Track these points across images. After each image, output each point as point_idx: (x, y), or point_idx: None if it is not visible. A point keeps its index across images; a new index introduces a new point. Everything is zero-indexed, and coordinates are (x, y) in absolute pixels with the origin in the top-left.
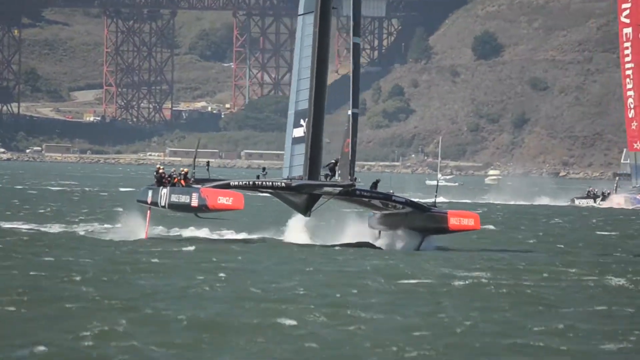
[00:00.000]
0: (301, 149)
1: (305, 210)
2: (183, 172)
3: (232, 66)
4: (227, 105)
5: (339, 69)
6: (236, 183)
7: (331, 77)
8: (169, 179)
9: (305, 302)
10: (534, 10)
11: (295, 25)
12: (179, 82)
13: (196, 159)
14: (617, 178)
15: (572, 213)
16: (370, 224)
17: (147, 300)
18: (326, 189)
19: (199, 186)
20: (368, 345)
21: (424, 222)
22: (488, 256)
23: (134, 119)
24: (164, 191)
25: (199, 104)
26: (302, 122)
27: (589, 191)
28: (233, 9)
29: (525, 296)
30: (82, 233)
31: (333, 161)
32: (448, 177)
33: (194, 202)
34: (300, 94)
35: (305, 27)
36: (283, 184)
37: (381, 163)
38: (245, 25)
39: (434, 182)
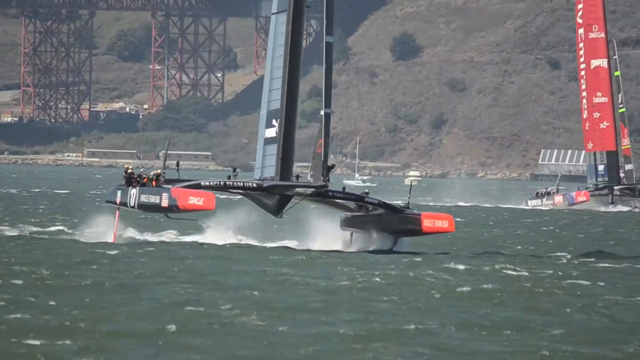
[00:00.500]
0: (273, 149)
1: (277, 211)
2: (156, 173)
3: (151, 67)
4: (146, 106)
5: (257, 70)
6: (207, 183)
7: (249, 79)
8: (138, 179)
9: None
10: (452, 11)
11: (210, 27)
12: (97, 83)
13: (166, 160)
14: (558, 176)
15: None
16: (343, 225)
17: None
18: (298, 189)
19: (169, 186)
20: None
21: (397, 223)
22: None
23: (52, 120)
24: (134, 191)
25: (117, 105)
26: (274, 122)
27: (537, 192)
28: (152, 9)
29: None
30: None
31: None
32: (365, 177)
33: (164, 203)
34: (272, 94)
35: (278, 26)
36: (254, 185)
37: (300, 164)
38: (163, 26)
39: (352, 182)
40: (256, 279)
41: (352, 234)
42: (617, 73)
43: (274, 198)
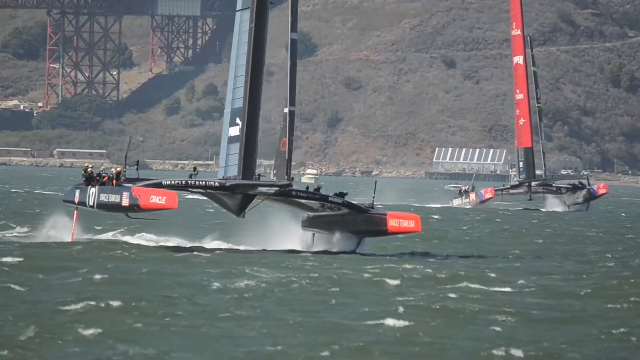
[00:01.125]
0: (236, 148)
1: (239, 211)
2: (115, 171)
3: (46, 65)
4: (40, 104)
5: (152, 68)
6: (168, 182)
7: (145, 76)
8: (97, 177)
9: None
10: (348, 10)
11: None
12: None
13: (127, 158)
14: (474, 174)
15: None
16: (304, 225)
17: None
18: (261, 189)
19: (129, 185)
20: None
21: (361, 224)
22: None
23: None
24: (93, 190)
25: (11, 103)
26: (238, 120)
27: (460, 190)
28: (47, 7)
29: None
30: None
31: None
32: (258, 175)
33: (125, 202)
34: (236, 92)
35: (243, 23)
36: (217, 184)
37: (195, 162)
38: (59, 23)
39: None
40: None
41: (314, 234)
42: (533, 69)
43: (237, 198)
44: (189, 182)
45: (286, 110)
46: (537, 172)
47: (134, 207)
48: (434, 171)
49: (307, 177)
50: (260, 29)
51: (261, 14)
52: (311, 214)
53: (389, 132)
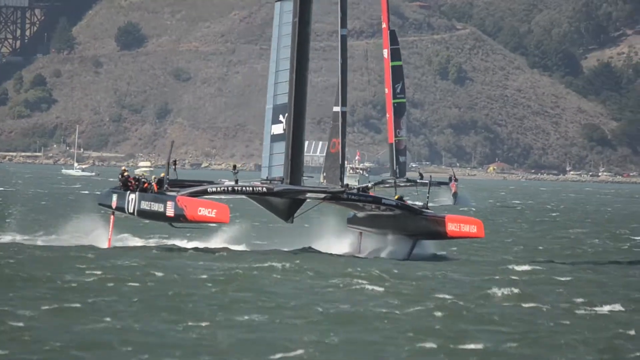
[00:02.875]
0: (281, 147)
1: (288, 216)
2: (158, 177)
3: None
4: None
5: None
6: (214, 189)
7: None
8: (136, 183)
9: None
10: (177, 1)
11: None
12: None
13: (170, 163)
14: (362, 171)
15: None
16: (351, 223)
17: None
18: (311, 194)
19: (174, 193)
20: None
21: (417, 225)
22: None
23: None
24: (132, 196)
25: None
26: (281, 117)
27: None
28: None
29: None
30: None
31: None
32: (84, 167)
33: (170, 212)
34: (278, 87)
35: (283, 14)
36: (264, 189)
37: (23, 154)
38: None
39: (71, 172)
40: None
41: (361, 233)
42: (397, 63)
43: (285, 202)
44: (236, 187)
45: (337, 109)
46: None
47: (179, 218)
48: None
49: (140, 169)
50: (305, 23)
51: (306, 6)
52: (359, 212)
53: (218, 124)
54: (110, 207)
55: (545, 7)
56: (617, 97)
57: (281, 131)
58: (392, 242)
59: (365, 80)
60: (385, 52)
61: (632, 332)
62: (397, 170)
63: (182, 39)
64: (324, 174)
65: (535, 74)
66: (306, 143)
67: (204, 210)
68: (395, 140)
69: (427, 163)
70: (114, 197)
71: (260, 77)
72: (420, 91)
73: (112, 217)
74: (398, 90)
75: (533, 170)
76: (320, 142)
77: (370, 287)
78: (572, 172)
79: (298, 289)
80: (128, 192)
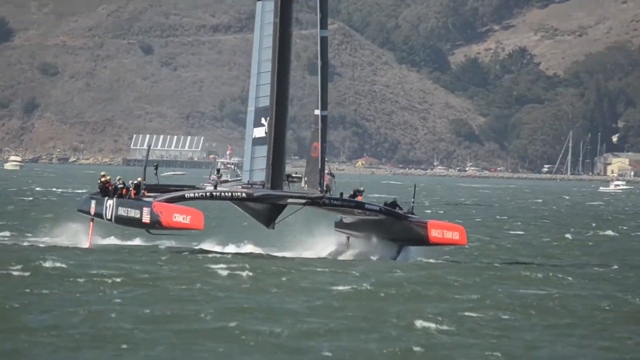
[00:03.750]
0: (263, 150)
1: (269, 221)
2: (135, 182)
3: None
4: None
5: None
6: (192, 195)
7: None
8: (115, 189)
9: None
10: None
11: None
12: None
13: (146, 169)
14: (233, 166)
15: None
16: (338, 227)
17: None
18: (291, 200)
19: (150, 199)
20: None
21: (400, 231)
22: None
23: None
24: (110, 202)
25: None
26: (263, 120)
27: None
28: None
29: None
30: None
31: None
32: None
33: (146, 218)
34: (260, 89)
35: (265, 14)
36: (244, 195)
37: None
38: None
39: None
40: None
41: (348, 237)
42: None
43: (266, 208)
44: (214, 193)
45: (317, 112)
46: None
47: (155, 224)
48: (132, 158)
49: (11, 164)
50: (287, 24)
51: (288, 5)
52: (346, 216)
53: (86, 119)
54: (89, 213)
55: (413, 2)
56: (484, 93)
57: (263, 134)
58: (378, 246)
59: (233, 75)
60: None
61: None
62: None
63: (49, 33)
64: (305, 179)
65: (403, 69)
66: (174, 138)
67: (179, 217)
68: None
69: (296, 157)
70: (92, 203)
71: (128, 72)
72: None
73: (91, 223)
74: None
75: (401, 165)
76: (189, 137)
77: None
78: (439, 167)
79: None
80: (106, 197)
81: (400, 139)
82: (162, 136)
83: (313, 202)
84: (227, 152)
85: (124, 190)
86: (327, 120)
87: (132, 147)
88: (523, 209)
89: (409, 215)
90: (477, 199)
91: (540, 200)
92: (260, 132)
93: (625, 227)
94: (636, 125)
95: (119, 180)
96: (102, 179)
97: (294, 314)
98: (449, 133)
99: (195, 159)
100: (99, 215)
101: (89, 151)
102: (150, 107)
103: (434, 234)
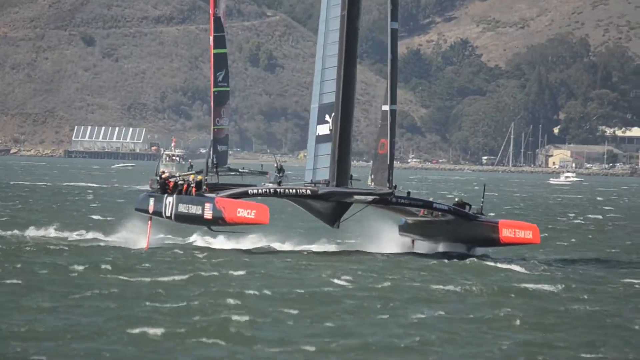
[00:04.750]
0: (327, 148)
1: (333, 220)
2: (196, 179)
3: None
4: None
5: None
6: (255, 191)
7: None
8: (175, 186)
9: None
10: None
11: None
12: None
13: (209, 165)
14: (178, 158)
15: None
16: (403, 230)
17: None
18: (358, 197)
19: (212, 195)
20: None
21: (470, 232)
22: None
23: None
24: (170, 200)
25: None
26: (327, 117)
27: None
28: None
29: None
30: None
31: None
32: None
33: (208, 214)
34: (324, 86)
35: (330, 9)
36: (308, 192)
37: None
38: None
39: None
40: None
41: (413, 241)
42: (220, 50)
43: (330, 205)
44: (279, 190)
45: (385, 108)
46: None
47: (218, 221)
48: (74, 150)
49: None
50: (354, 17)
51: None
52: (410, 218)
53: (27, 110)
54: (147, 212)
55: None
56: (426, 85)
57: (327, 132)
58: (446, 248)
59: (175, 66)
60: (211, 40)
61: None
62: (215, 158)
63: None
64: (372, 176)
65: None
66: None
67: (243, 212)
68: (214, 129)
69: (238, 150)
70: (151, 201)
71: (69, 63)
72: (231, 78)
73: (149, 222)
74: (220, 79)
75: None
76: (131, 129)
77: None
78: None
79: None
80: (165, 195)
81: None
82: (103, 128)
83: (381, 199)
84: (172, 144)
85: (185, 187)
86: (395, 115)
87: (73, 138)
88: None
89: (479, 215)
90: (428, 191)
91: (495, 194)
92: (324, 129)
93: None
94: (577, 117)
95: (179, 177)
96: (163, 176)
97: None
98: None
99: (137, 151)
100: (157, 213)
101: (30, 143)
102: (91, 98)
103: (506, 233)
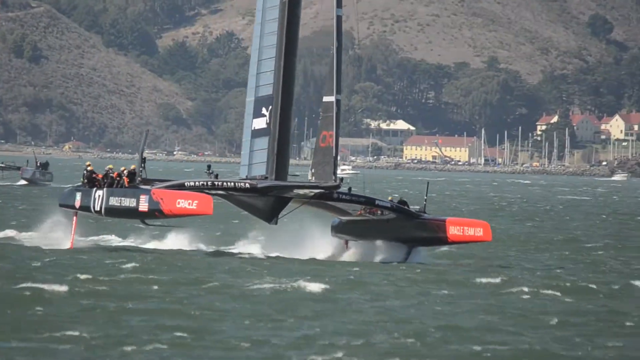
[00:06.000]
0: (263, 143)
1: (271, 216)
2: (128, 170)
3: None
4: None
5: None
6: (191, 184)
7: None
8: (104, 179)
9: None
10: None
11: None
12: None
13: (143, 155)
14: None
15: None
16: (336, 231)
17: None
18: (299, 191)
19: (148, 187)
20: None
21: (412, 231)
22: None
23: None
24: (99, 193)
25: None
26: (264, 110)
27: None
28: None
29: None
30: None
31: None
32: None
33: (143, 206)
34: (261, 78)
35: None
36: (247, 185)
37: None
38: None
39: None
40: None
41: (347, 242)
42: None
43: (268, 201)
44: (216, 182)
45: (330, 99)
46: None
47: (154, 213)
48: None
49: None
50: (295, 4)
51: None
52: (344, 218)
53: None
54: (73, 207)
55: None
56: (192, 77)
57: (264, 125)
58: (384, 248)
59: None
60: None
61: None
62: None
63: None
64: (312, 170)
65: (111, 53)
66: None
67: (184, 202)
68: None
69: (2, 142)
70: (78, 195)
71: None
72: None
73: (75, 218)
74: None
75: (109, 149)
76: None
77: None
78: (148, 151)
79: None
80: (94, 189)
81: (108, 123)
82: None
83: (323, 194)
84: None
85: (116, 176)
86: (340, 105)
87: None
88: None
89: (422, 213)
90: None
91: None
92: (260, 123)
93: None
94: (342, 109)
95: (109, 169)
96: (89, 168)
97: None
98: (156, 117)
99: None
100: (85, 208)
101: None
102: None
103: (454, 231)
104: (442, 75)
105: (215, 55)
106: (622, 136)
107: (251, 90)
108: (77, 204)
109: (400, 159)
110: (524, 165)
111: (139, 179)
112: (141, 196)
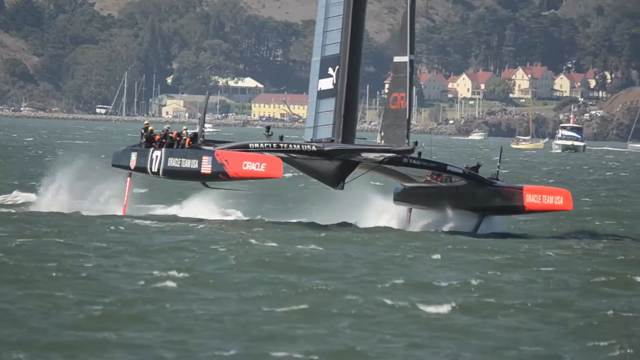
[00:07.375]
0: (329, 104)
1: (337, 181)
2: (191, 132)
3: None
4: None
5: None
6: (256, 145)
7: None
8: (164, 139)
9: None
10: None
11: None
12: None
13: (205, 116)
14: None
15: None
16: (399, 199)
17: None
18: (369, 154)
19: (211, 148)
20: None
21: (487, 199)
22: None
23: None
24: (157, 153)
25: None
26: (330, 70)
27: None
28: None
29: None
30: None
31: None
32: None
33: (206, 168)
34: (327, 37)
35: None
36: (314, 148)
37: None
38: None
39: None
40: None
41: (410, 210)
42: None
43: (333, 165)
44: (282, 145)
45: (402, 59)
46: None
47: (218, 175)
48: None
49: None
50: None
51: None
52: (408, 184)
53: None
54: (128, 167)
55: None
56: (38, 33)
57: (330, 86)
58: (454, 218)
59: None
60: None
61: None
62: None
63: None
64: (382, 134)
65: None
66: None
67: (251, 165)
68: None
69: None
70: (133, 155)
71: None
72: None
73: (129, 179)
74: None
75: None
76: None
77: None
78: None
79: None
80: (152, 149)
81: None
82: None
83: (393, 159)
84: None
85: (176, 136)
86: (414, 67)
87: None
88: None
89: (494, 180)
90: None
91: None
92: (327, 83)
93: None
94: (190, 67)
95: (167, 128)
96: (149, 128)
97: None
98: (2, 73)
99: None
100: (141, 169)
101: None
102: None
103: (531, 199)
104: (290, 33)
105: (62, 11)
106: (469, 95)
107: (317, 49)
108: (133, 164)
109: (249, 117)
110: (372, 124)
111: (201, 139)
112: (204, 157)
